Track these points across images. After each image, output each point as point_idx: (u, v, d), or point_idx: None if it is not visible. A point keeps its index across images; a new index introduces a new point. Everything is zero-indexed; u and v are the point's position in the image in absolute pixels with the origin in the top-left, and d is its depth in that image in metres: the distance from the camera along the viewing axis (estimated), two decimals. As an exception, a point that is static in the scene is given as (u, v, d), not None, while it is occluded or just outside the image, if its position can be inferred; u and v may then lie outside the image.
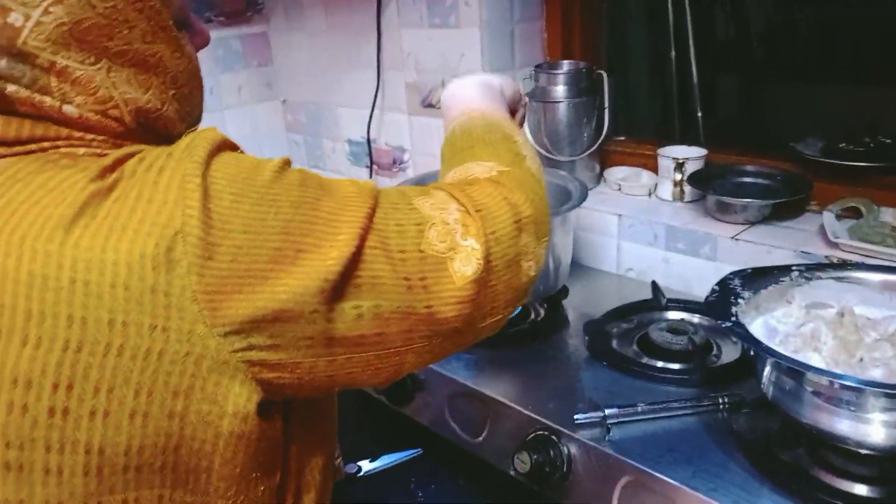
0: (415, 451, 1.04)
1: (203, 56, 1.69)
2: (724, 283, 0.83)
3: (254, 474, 0.50)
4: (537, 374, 0.99)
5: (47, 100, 0.46)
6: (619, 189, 1.33)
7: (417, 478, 1.01)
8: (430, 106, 1.47)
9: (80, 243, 0.41)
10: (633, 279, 1.26)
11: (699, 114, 2.24)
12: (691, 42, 2.24)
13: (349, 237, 0.47)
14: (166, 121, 0.52)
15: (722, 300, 0.80)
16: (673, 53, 2.24)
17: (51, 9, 0.44)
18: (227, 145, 0.49)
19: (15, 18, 0.43)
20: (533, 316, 1.16)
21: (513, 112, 0.81)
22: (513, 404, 0.91)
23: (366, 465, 1.01)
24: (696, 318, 1.08)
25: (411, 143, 1.56)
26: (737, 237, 1.09)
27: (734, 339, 1.00)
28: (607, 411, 0.84)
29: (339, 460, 0.73)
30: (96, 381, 0.42)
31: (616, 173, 1.36)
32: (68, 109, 0.47)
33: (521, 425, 0.90)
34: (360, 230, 0.48)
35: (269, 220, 0.45)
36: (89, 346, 0.41)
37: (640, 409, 0.85)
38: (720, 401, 0.86)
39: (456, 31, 1.35)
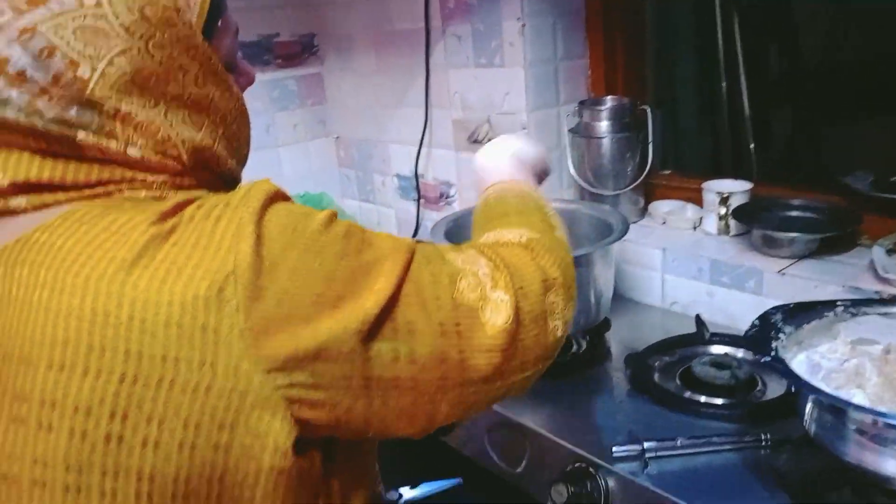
0: (455, 480, 1.05)
1: (261, 96, 1.77)
2: (765, 317, 0.83)
3: None
4: (578, 407, 1.00)
5: (113, 144, 0.49)
6: (664, 223, 1.33)
7: (457, 508, 1.02)
8: (476, 142, 1.50)
9: (138, 284, 0.44)
10: (677, 313, 1.25)
11: (751, 147, 2.22)
12: (742, 75, 2.23)
13: (386, 285, 0.50)
14: (218, 157, 0.56)
15: (762, 334, 0.79)
16: (724, 87, 2.23)
17: (114, 60, 0.48)
18: (279, 196, 0.52)
19: (83, 71, 0.47)
20: (575, 348, 1.16)
21: (541, 174, 0.87)
22: (552, 435, 0.92)
23: (406, 493, 1.03)
24: (740, 353, 1.06)
25: (458, 177, 1.59)
26: (783, 271, 1.08)
27: (781, 376, 0.99)
28: (646, 444, 0.84)
29: (380, 487, 0.74)
30: (149, 412, 0.44)
31: (661, 207, 1.36)
32: (132, 152, 0.50)
33: (559, 457, 0.90)
34: (397, 279, 0.51)
35: (314, 268, 0.48)
36: (143, 378, 0.44)
37: (679, 443, 0.85)
38: (763, 438, 0.85)
39: (501, 70, 1.39)
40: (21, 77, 0.46)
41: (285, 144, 1.83)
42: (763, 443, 0.84)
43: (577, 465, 0.87)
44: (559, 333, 0.60)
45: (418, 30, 1.52)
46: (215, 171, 0.57)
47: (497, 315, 0.54)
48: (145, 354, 0.44)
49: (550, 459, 0.92)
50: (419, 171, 1.67)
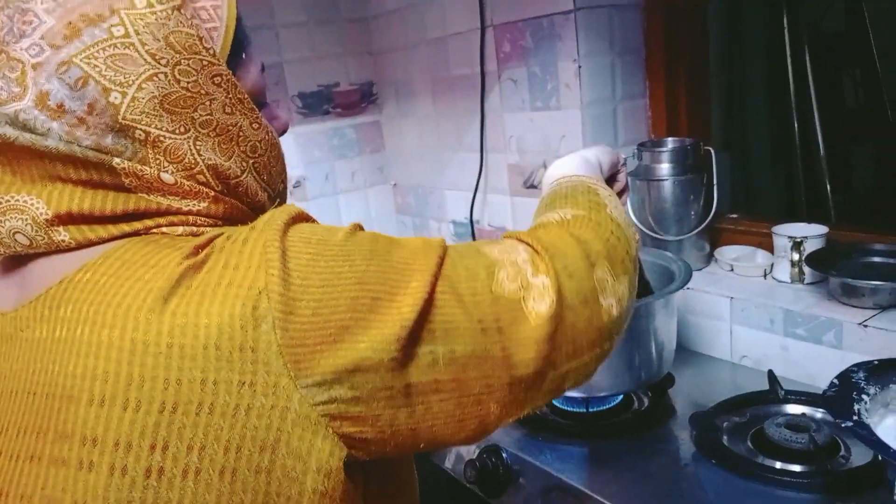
0: (507, 546, 0.99)
1: (321, 144, 1.80)
2: (845, 376, 0.75)
3: None
4: (639, 470, 0.93)
5: (147, 169, 0.50)
6: (732, 269, 1.25)
7: (509, 576, 0.95)
8: (532, 187, 1.47)
9: (176, 311, 0.45)
10: (748, 367, 1.16)
11: (828, 188, 2.11)
12: (816, 113, 2.13)
13: (421, 283, 0.49)
14: (247, 187, 0.56)
15: (843, 395, 0.72)
16: (796, 125, 2.13)
17: (143, 85, 0.49)
18: (302, 217, 0.52)
19: (115, 97, 0.48)
20: (636, 405, 1.09)
21: (612, 180, 0.84)
22: (611, 503, 0.85)
23: (455, 560, 0.97)
24: (818, 414, 0.97)
25: (513, 223, 1.55)
26: (865, 323, 0.99)
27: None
28: (715, 517, 0.77)
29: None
30: (189, 441, 0.44)
31: (728, 253, 1.29)
32: (165, 177, 0.51)
33: (618, 527, 0.83)
34: (431, 276, 0.49)
35: (344, 272, 0.47)
36: (183, 406, 0.44)
37: (753, 517, 0.77)
38: (847, 512, 0.76)
39: (557, 112, 1.35)
40: (60, 108, 0.47)
41: (344, 192, 1.84)
42: (848, 518, 0.76)
43: (636, 536, 0.80)
44: (615, 312, 0.56)
45: (474, 74, 1.51)
46: (249, 203, 0.57)
47: (540, 303, 0.51)
48: (185, 380, 0.44)
49: (608, 528, 0.85)
50: (475, 217, 1.64)
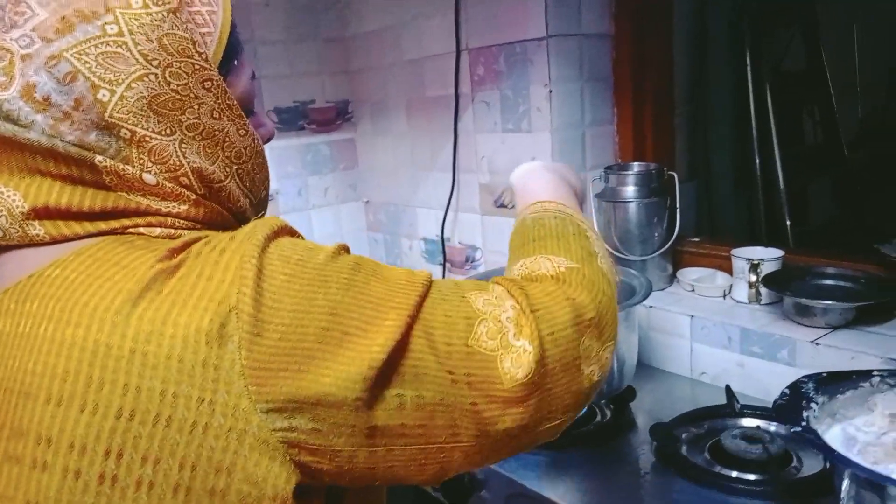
0: (471, 554, 1.00)
1: (294, 160, 1.81)
2: (795, 387, 0.79)
3: None
4: (601, 479, 0.95)
5: (129, 168, 0.50)
6: (693, 290, 1.30)
7: (472, 583, 0.96)
8: (503, 206, 1.50)
9: (144, 316, 0.44)
10: (706, 383, 1.20)
11: (787, 221, 2.18)
12: (776, 147, 2.21)
13: (396, 324, 0.47)
14: (230, 193, 0.55)
15: (792, 403, 0.75)
16: (757, 159, 2.21)
17: (133, 84, 0.49)
18: (286, 231, 0.51)
19: (103, 94, 0.48)
20: (599, 417, 1.12)
21: (581, 196, 0.80)
22: (571, 508, 0.87)
23: (419, 566, 0.98)
24: (772, 427, 1.01)
25: (483, 241, 1.59)
26: (817, 341, 1.04)
27: (816, 450, 0.93)
28: (670, 521, 0.79)
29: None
30: (144, 451, 0.43)
31: (689, 274, 1.33)
32: (147, 178, 0.50)
33: (578, 531, 0.86)
34: (408, 318, 0.48)
35: (318, 300, 0.46)
36: (140, 414, 0.43)
37: (706, 520, 0.80)
38: (797, 517, 0.79)
39: (528, 135, 1.40)
40: (46, 101, 0.47)
41: (316, 207, 1.86)
42: (797, 523, 0.79)
43: (596, 540, 0.83)
44: (595, 378, 0.54)
45: (449, 96, 1.55)
46: (230, 209, 0.56)
47: (517, 367, 0.49)
48: (144, 388, 0.43)
49: (569, 533, 0.87)
50: (445, 235, 1.67)
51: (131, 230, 0.51)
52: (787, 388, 0.79)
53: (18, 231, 0.49)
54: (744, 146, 2.20)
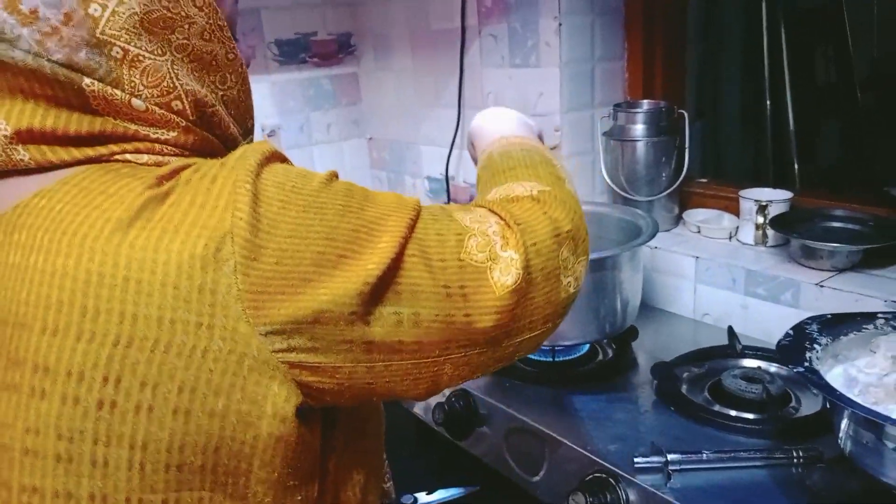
0: (473, 487, 1.02)
1: (296, 95, 1.77)
2: (799, 328, 0.79)
3: (291, 482, 0.50)
4: (600, 416, 0.96)
5: (118, 93, 0.48)
6: (699, 231, 1.29)
7: (473, 514, 0.99)
8: (508, 144, 1.48)
9: (135, 244, 0.44)
10: (709, 325, 1.20)
11: (795, 160, 2.15)
12: (788, 87, 2.16)
13: (390, 245, 0.48)
14: (221, 119, 0.55)
15: (796, 344, 0.75)
16: (768, 98, 2.17)
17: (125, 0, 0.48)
18: (277, 157, 0.51)
19: (94, 9, 0.47)
20: (601, 356, 1.13)
21: (540, 137, 0.84)
22: (571, 444, 0.89)
23: (422, 498, 1.00)
24: (773, 368, 1.02)
25: (488, 180, 1.57)
26: (822, 284, 1.03)
27: (814, 391, 0.94)
28: (670, 457, 0.80)
29: (389, 484, 0.72)
30: (143, 377, 0.43)
31: (696, 215, 1.32)
32: (136, 103, 0.49)
33: (579, 466, 0.87)
34: (401, 238, 0.49)
35: (314, 225, 0.46)
36: (138, 341, 0.43)
37: (704, 456, 0.81)
38: (794, 455, 0.80)
39: (536, 70, 1.36)
40: (34, 15, 0.45)
41: (319, 144, 1.83)
42: (794, 460, 0.80)
43: (596, 474, 0.84)
44: (571, 290, 0.58)
45: (455, 29, 1.50)
46: (220, 136, 0.55)
47: (506, 276, 0.52)
48: (140, 316, 0.43)
49: (569, 468, 0.89)
50: (450, 173, 1.65)
51: (118, 156, 0.50)
52: (791, 329, 0.79)
53: (1, 155, 0.48)
54: (754, 86, 2.15)
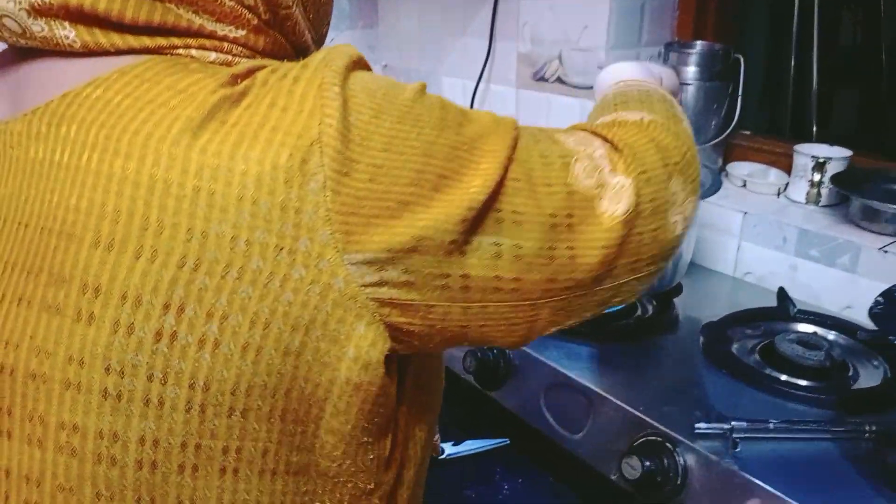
0: (502, 440, 0.97)
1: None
2: (889, 294, 0.73)
3: (365, 438, 0.44)
4: (645, 374, 0.91)
5: None
6: (744, 185, 1.22)
7: (503, 469, 0.93)
8: (543, 80, 1.38)
9: (207, 148, 0.37)
10: (750, 284, 1.15)
11: (814, 124, 2.09)
12: (815, 48, 2.09)
13: (493, 165, 0.42)
14: (296, 22, 0.48)
15: (890, 312, 0.69)
16: (793, 59, 2.09)
17: None
18: (363, 63, 0.44)
19: None
20: (640, 312, 1.07)
21: (672, 90, 0.74)
22: (622, 403, 0.83)
23: (449, 448, 0.95)
24: (830, 335, 0.96)
25: (517, 117, 1.47)
26: (885, 248, 0.97)
27: (874, 363, 0.89)
28: (734, 424, 0.75)
29: (437, 437, 0.66)
30: (210, 306, 0.37)
31: (740, 168, 1.25)
32: None
33: (629, 427, 0.81)
34: (505, 159, 0.42)
35: (411, 140, 0.40)
36: (207, 264, 0.37)
37: (771, 425, 0.76)
38: (866, 429, 0.75)
39: (581, 0, 1.26)
40: None
41: (330, 68, 1.71)
42: (867, 434, 0.75)
43: (650, 437, 0.79)
44: (678, 231, 0.50)
45: (491, -50, 1.39)
46: (293, 40, 0.49)
47: (617, 203, 0.45)
48: (211, 234, 0.37)
49: (618, 428, 0.83)
50: (475, 109, 1.55)
51: (181, 51, 0.43)
52: (880, 296, 0.73)
53: (43, 30, 0.40)
54: (779, 43, 2.07)
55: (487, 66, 1.48)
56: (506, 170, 0.42)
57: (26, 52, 0.43)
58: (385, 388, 0.43)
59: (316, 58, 0.41)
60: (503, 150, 0.43)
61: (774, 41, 2.08)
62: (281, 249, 0.37)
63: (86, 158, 0.38)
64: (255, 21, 0.45)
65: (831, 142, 2.19)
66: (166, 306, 0.37)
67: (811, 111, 2.13)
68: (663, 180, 0.49)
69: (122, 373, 0.38)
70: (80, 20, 0.40)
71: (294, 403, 0.40)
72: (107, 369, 0.37)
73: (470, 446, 0.95)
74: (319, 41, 0.54)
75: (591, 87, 0.73)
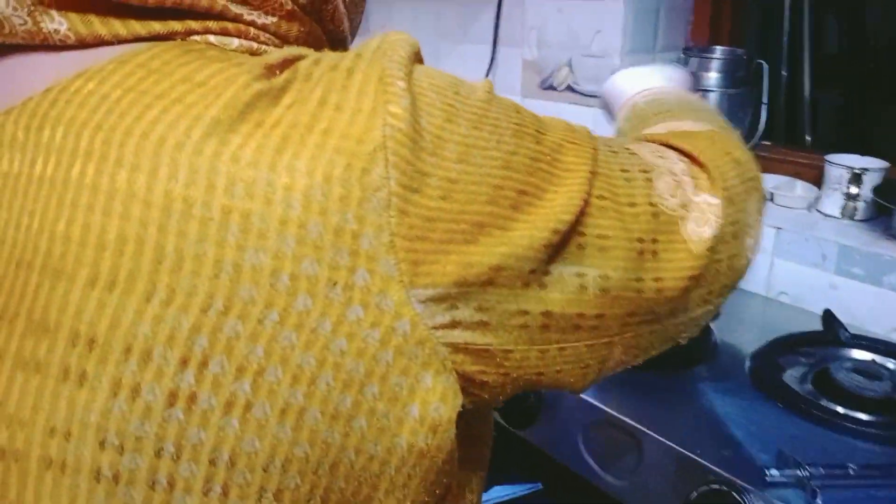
0: (534, 485, 0.88)
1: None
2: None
3: None
4: (691, 408, 0.82)
5: None
6: (772, 199, 1.15)
7: (538, 518, 0.85)
8: (551, 88, 1.30)
9: (240, 157, 0.29)
10: (784, 304, 1.08)
11: (806, 133, 2.06)
12: (807, 53, 2.05)
13: (577, 181, 0.35)
14: (335, 9, 0.41)
15: None
16: (784, 63, 2.06)
17: None
18: (421, 57, 0.36)
19: None
20: (673, 337, 0.99)
21: None
22: (677, 447, 0.74)
23: (475, 496, 0.85)
24: (890, 363, 0.89)
25: (522, 128, 1.40)
26: (937, 266, 0.91)
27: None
28: (811, 470, 0.67)
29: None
30: (242, 359, 0.29)
31: (766, 181, 1.18)
32: None
33: (688, 473, 0.73)
34: (588, 173, 0.36)
35: (490, 149, 0.33)
36: (240, 306, 0.29)
37: (850, 471, 0.68)
38: (955, 471, 0.68)
39: (594, 2, 1.18)
40: None
41: (316, 76, 1.62)
42: (956, 478, 0.68)
43: (713, 486, 0.70)
44: (749, 256, 0.45)
45: (492, -49, 1.31)
46: (331, 31, 0.42)
47: (703, 226, 0.40)
48: (246, 267, 0.29)
49: (672, 474, 0.74)
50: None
51: (197, 37, 0.35)
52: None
53: (24, 21, 0.31)
54: (770, 48, 2.04)
55: (490, 74, 1.40)
56: (591, 185, 0.36)
57: (3, 49, 0.33)
58: (452, 453, 0.35)
59: (370, 46, 0.34)
60: (586, 163, 0.36)
61: (765, 46, 2.05)
62: (334, 284, 0.29)
63: (77, 171, 0.29)
64: (290, 6, 0.37)
65: (827, 149, 2.16)
66: (184, 361, 0.28)
67: (804, 118, 2.10)
68: (743, 199, 0.43)
69: (122, 448, 0.28)
70: (71, 6, 0.32)
71: (340, 481, 0.31)
72: (101, 444, 0.28)
73: (500, 493, 0.86)
74: (353, 32, 0.46)
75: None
